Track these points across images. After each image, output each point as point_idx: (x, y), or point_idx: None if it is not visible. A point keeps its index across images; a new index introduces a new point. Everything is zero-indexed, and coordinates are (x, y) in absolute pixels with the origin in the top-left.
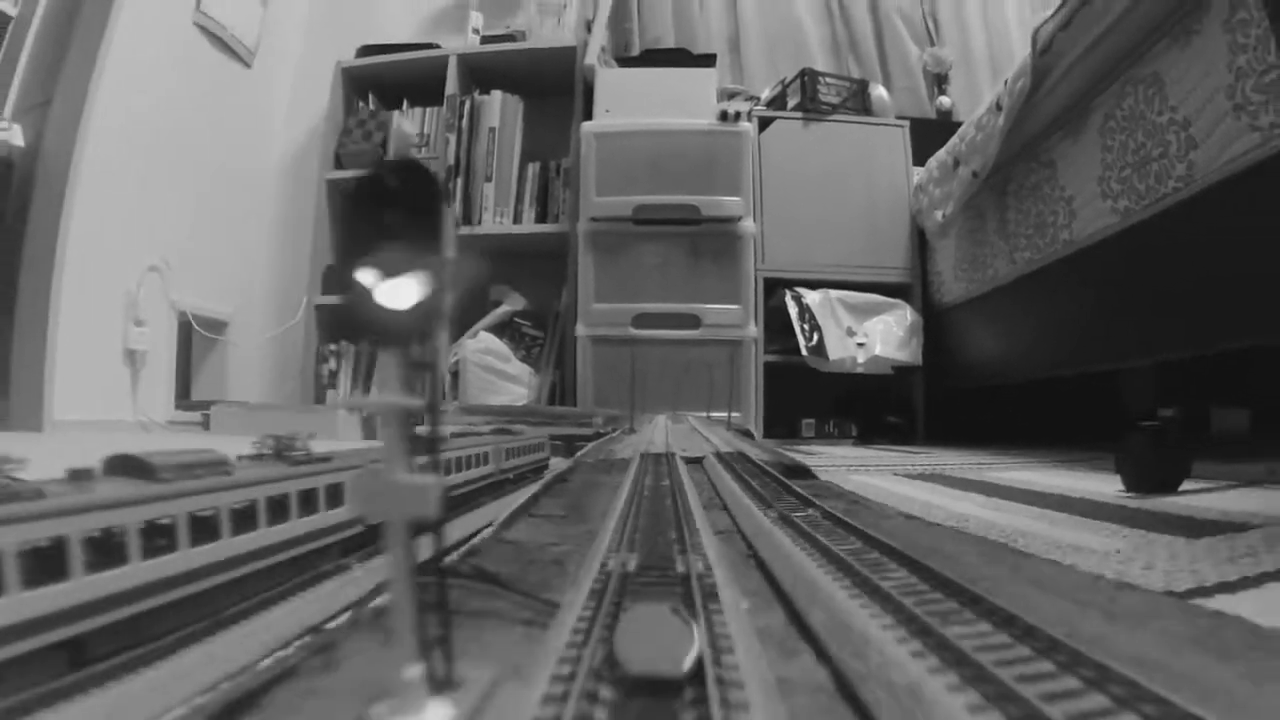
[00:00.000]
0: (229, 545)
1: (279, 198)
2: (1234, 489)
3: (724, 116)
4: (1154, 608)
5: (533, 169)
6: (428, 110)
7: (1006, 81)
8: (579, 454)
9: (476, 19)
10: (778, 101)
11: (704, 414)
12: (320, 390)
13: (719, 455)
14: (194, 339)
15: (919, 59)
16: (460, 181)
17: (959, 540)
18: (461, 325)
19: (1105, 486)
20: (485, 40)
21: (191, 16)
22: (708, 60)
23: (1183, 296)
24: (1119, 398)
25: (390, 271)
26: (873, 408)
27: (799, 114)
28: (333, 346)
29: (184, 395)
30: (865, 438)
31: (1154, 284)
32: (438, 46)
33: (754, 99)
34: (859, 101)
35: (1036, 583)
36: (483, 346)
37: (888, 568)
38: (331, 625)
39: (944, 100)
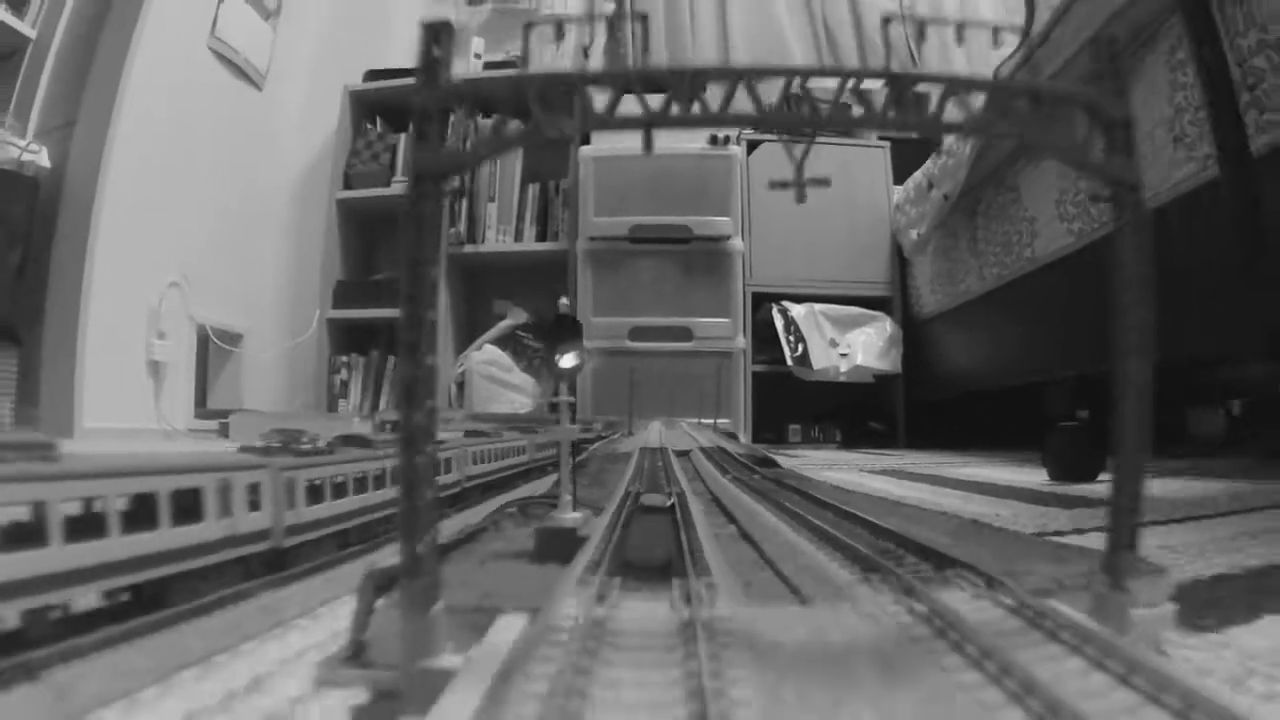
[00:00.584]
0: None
1: (290, 216)
2: (1149, 479)
3: (714, 141)
4: (975, 529)
5: (533, 190)
6: None
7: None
8: (590, 449)
9: (478, 44)
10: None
11: (696, 420)
12: (332, 399)
13: (703, 450)
14: (210, 350)
15: None
16: (465, 202)
17: (864, 497)
18: (467, 339)
19: (1038, 478)
20: (488, 66)
21: (206, 41)
22: None
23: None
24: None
25: (565, 351)
26: (855, 414)
27: (785, 136)
28: (344, 358)
29: (201, 404)
30: (848, 442)
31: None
32: None
33: None
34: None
35: (903, 515)
36: (487, 358)
37: (803, 504)
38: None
39: None
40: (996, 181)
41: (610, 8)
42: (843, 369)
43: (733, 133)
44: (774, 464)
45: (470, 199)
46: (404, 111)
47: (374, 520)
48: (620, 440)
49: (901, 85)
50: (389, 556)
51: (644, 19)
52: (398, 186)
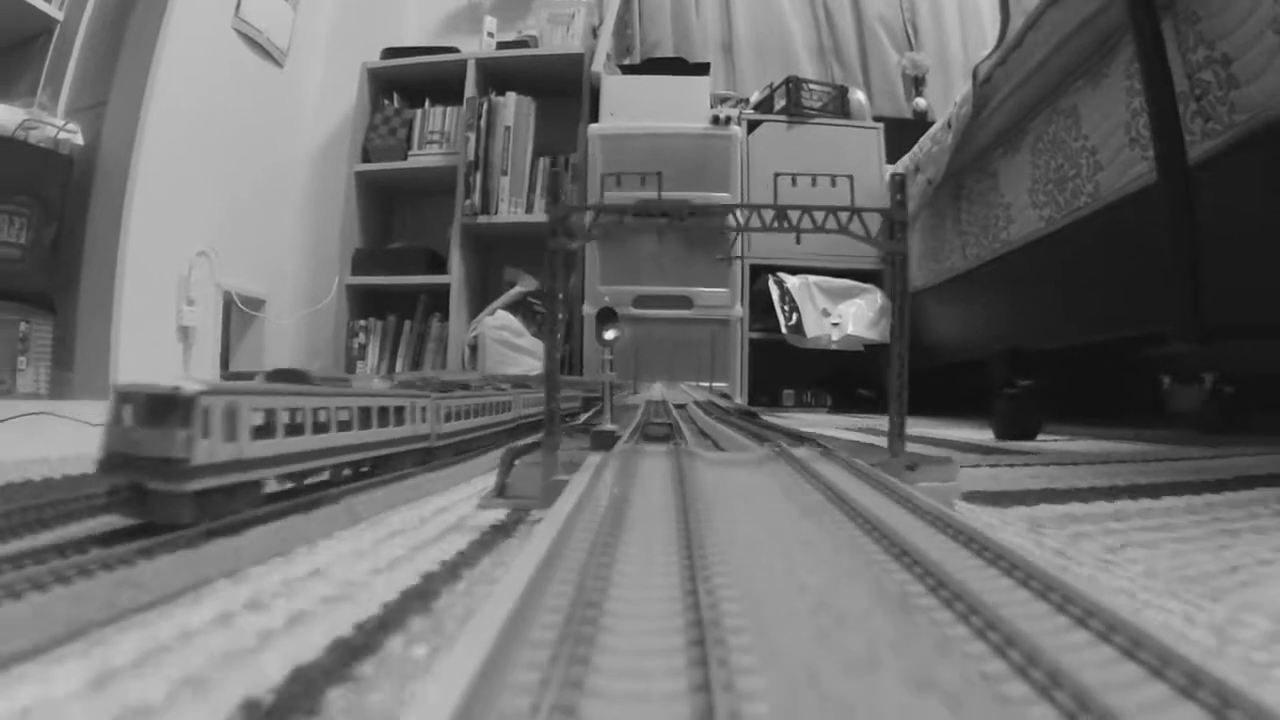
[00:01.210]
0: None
1: (310, 187)
2: (1079, 439)
3: (716, 121)
4: (852, 443)
5: (543, 163)
6: (448, 109)
7: (955, 104)
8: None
9: (490, 22)
10: (765, 105)
11: (694, 383)
12: (350, 361)
13: (696, 403)
14: (233, 315)
15: (898, 63)
16: (480, 175)
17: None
18: (480, 305)
19: (986, 436)
20: (501, 45)
21: (230, 22)
22: (702, 69)
23: (1095, 289)
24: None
25: (608, 330)
26: (846, 381)
27: (784, 117)
28: (362, 322)
29: (224, 366)
30: (838, 407)
31: (1071, 279)
32: (456, 50)
33: (744, 101)
34: (839, 106)
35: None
36: (499, 323)
37: (749, 424)
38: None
39: (920, 102)
40: (978, 168)
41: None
42: (834, 338)
43: (734, 113)
44: (755, 415)
45: (485, 172)
46: (420, 88)
47: (474, 437)
48: (628, 396)
49: (780, 213)
50: (499, 451)
51: None
52: (414, 160)
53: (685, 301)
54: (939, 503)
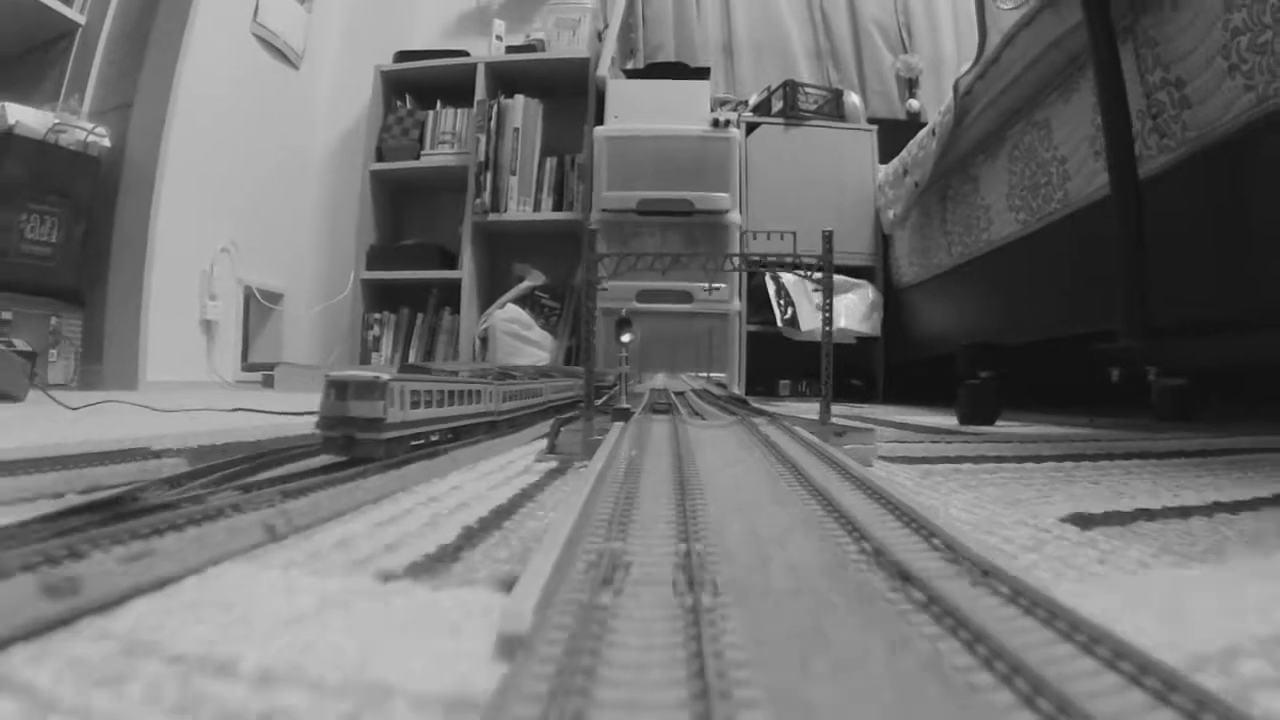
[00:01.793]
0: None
1: (326, 185)
2: (1036, 425)
3: (716, 123)
4: (805, 419)
5: (550, 163)
6: (459, 110)
7: (940, 112)
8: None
9: (499, 25)
10: (763, 108)
11: (694, 374)
12: (365, 353)
13: (694, 391)
14: (252, 308)
15: (892, 65)
16: (490, 175)
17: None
18: (490, 299)
19: (951, 421)
20: (509, 49)
21: (249, 27)
22: (703, 73)
23: (1059, 288)
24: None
25: (625, 334)
26: (839, 372)
27: (781, 120)
28: (376, 315)
29: (244, 358)
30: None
31: (1038, 279)
32: (466, 54)
33: (743, 103)
34: (834, 108)
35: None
36: (509, 316)
37: (737, 407)
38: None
39: (913, 103)
40: (961, 171)
41: (623, 0)
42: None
43: (733, 116)
44: (745, 403)
45: (494, 172)
46: (431, 89)
47: (522, 414)
48: (634, 385)
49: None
50: (548, 422)
51: None
52: (426, 159)
53: (686, 296)
54: (858, 460)
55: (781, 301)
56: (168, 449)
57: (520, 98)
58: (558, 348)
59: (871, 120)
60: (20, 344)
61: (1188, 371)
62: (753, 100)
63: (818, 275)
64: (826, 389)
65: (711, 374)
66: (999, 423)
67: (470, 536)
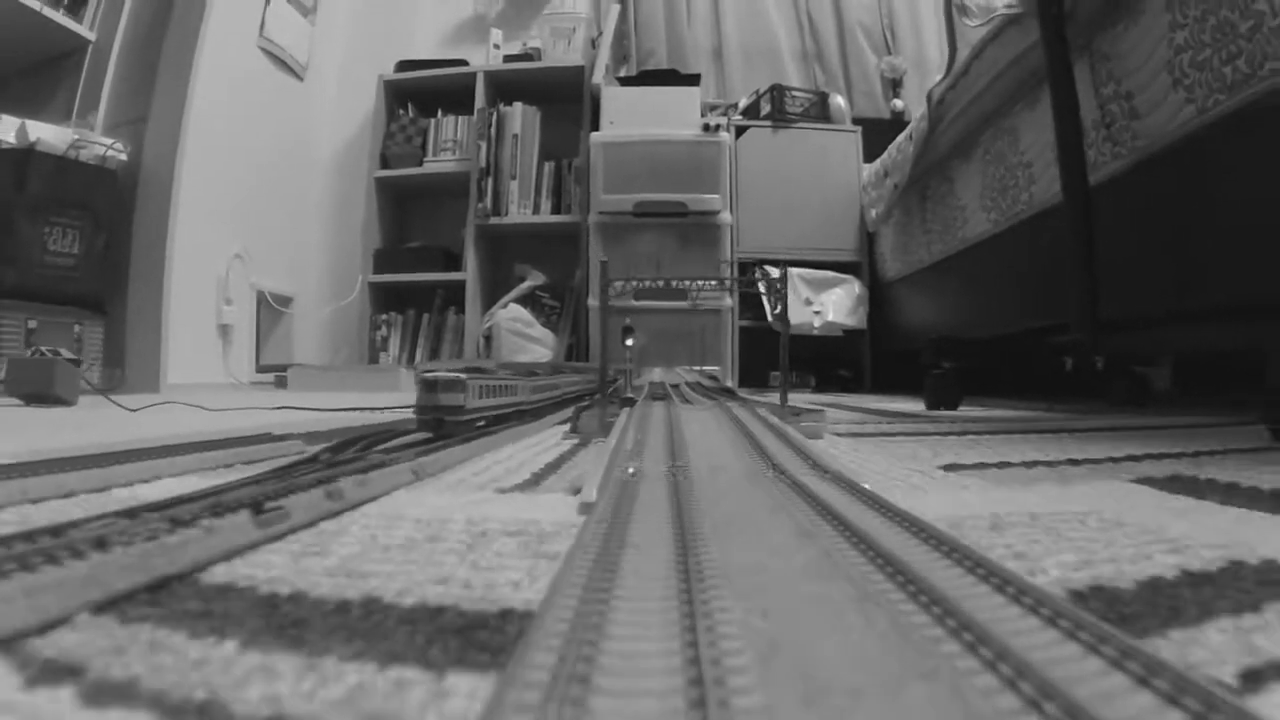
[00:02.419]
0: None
1: (333, 192)
2: (998, 409)
3: (706, 128)
4: (779, 406)
5: (549, 167)
6: (460, 118)
7: (915, 119)
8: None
9: (496, 35)
10: (751, 111)
11: (688, 368)
12: (374, 353)
13: (687, 383)
14: (262, 312)
15: (876, 66)
16: (491, 180)
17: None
18: (492, 299)
19: (918, 407)
20: (507, 58)
21: (256, 41)
22: (693, 79)
23: (1022, 284)
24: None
25: (629, 339)
26: (827, 364)
27: (769, 123)
28: (383, 317)
29: (257, 361)
30: (820, 387)
31: (1004, 276)
32: (466, 63)
33: (732, 107)
34: (820, 111)
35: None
36: (512, 315)
37: (720, 395)
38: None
39: (897, 103)
40: (939, 173)
41: (616, 8)
42: (816, 325)
43: (723, 120)
44: (733, 394)
45: (495, 177)
46: (433, 98)
47: (550, 405)
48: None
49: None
50: (569, 409)
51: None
52: (429, 166)
53: (681, 295)
54: (809, 435)
55: (772, 297)
56: (288, 434)
57: (519, 105)
58: (559, 345)
59: (857, 120)
60: (66, 353)
61: (1144, 360)
62: (742, 104)
63: (803, 271)
64: (784, 381)
65: (705, 368)
66: (961, 408)
67: (539, 476)
